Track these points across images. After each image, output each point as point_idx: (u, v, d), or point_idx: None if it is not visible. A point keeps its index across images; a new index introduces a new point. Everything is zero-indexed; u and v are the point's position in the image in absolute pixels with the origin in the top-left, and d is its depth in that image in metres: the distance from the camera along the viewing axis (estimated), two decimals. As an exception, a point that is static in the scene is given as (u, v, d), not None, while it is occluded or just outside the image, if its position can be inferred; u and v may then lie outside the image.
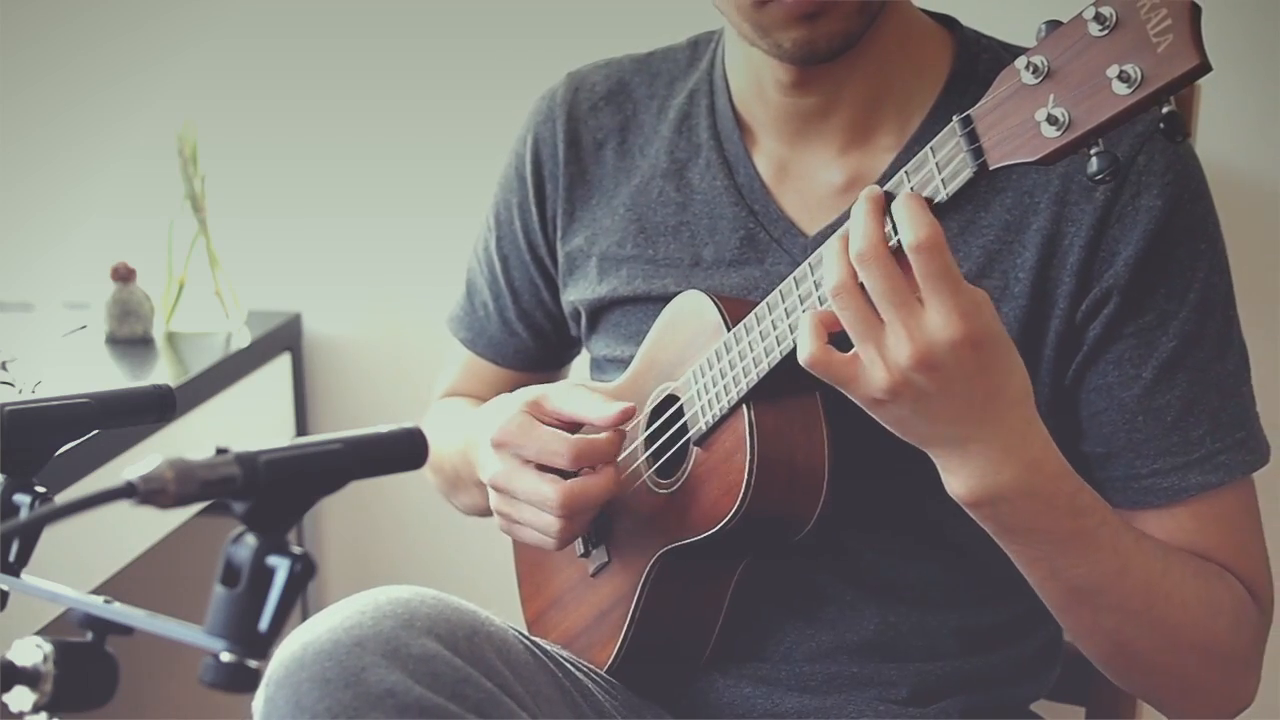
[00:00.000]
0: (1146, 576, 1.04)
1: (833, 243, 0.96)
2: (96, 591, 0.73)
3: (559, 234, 1.30)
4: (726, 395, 1.10)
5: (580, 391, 1.15)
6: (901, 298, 0.92)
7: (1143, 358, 1.09)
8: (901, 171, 0.95)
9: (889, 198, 0.94)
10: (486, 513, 1.37)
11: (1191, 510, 1.10)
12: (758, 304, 1.08)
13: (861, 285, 0.94)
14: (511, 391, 1.41)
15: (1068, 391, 1.12)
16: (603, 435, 1.13)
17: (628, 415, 1.12)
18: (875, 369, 0.94)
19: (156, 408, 0.89)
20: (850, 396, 0.97)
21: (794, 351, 1.05)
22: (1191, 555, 1.09)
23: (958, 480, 0.99)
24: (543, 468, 1.14)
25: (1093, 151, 0.86)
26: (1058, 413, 1.12)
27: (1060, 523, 1.00)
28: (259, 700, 0.98)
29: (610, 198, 1.27)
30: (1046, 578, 1.04)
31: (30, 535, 0.79)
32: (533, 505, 1.14)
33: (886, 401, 0.95)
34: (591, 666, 1.21)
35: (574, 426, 1.15)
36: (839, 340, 0.96)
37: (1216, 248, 1.12)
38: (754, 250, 1.19)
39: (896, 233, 0.92)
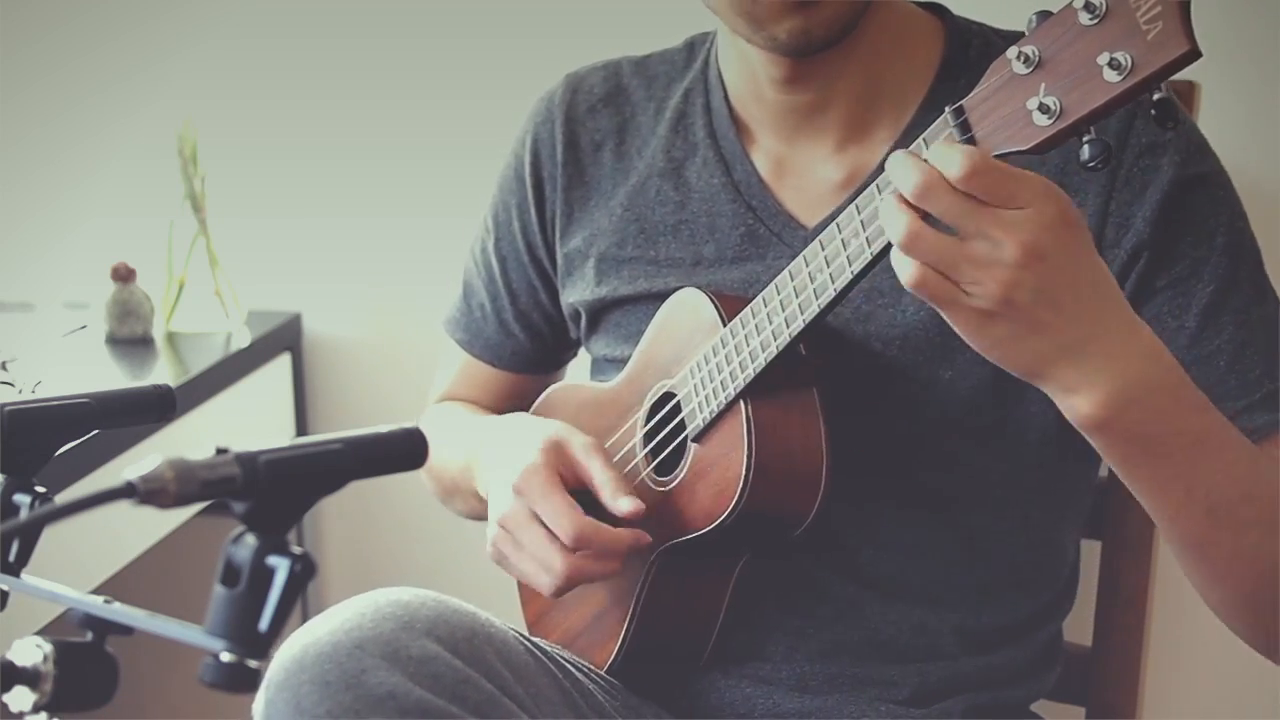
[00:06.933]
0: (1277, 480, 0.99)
1: (884, 203, 0.90)
2: (96, 591, 0.73)
3: (558, 235, 1.30)
4: (723, 391, 1.10)
5: (601, 461, 1.14)
6: (978, 205, 0.87)
7: (1182, 308, 1.08)
8: None
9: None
10: (484, 517, 1.37)
11: (1262, 452, 1.05)
12: (753, 300, 1.08)
13: (927, 224, 0.89)
14: (508, 393, 1.42)
15: None
16: (617, 530, 1.12)
17: (637, 513, 1.11)
18: (982, 283, 0.88)
19: (156, 408, 0.89)
20: (953, 323, 0.91)
21: (790, 347, 1.05)
22: None
23: (1083, 398, 0.92)
24: None
25: (1084, 140, 0.87)
26: None
27: (1189, 420, 0.96)
28: (259, 703, 0.98)
29: (608, 199, 1.27)
30: (1183, 503, 0.98)
31: (30, 535, 0.79)
32: (536, 561, 1.14)
33: (998, 314, 0.88)
34: (591, 667, 1.21)
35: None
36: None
37: (1233, 195, 1.12)
38: (755, 246, 1.19)
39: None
